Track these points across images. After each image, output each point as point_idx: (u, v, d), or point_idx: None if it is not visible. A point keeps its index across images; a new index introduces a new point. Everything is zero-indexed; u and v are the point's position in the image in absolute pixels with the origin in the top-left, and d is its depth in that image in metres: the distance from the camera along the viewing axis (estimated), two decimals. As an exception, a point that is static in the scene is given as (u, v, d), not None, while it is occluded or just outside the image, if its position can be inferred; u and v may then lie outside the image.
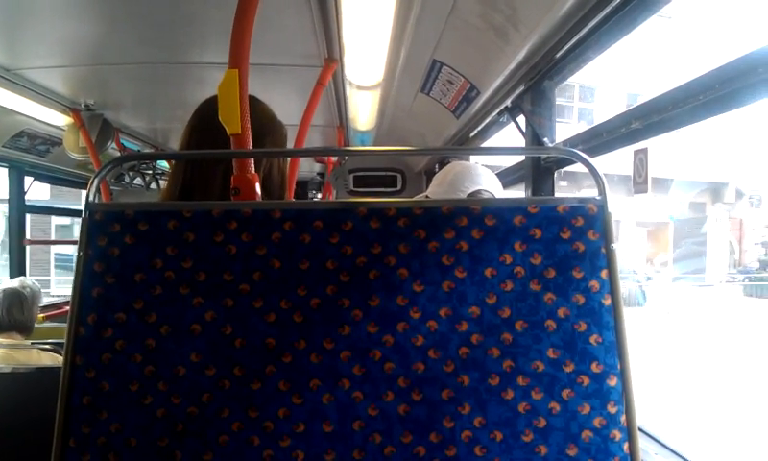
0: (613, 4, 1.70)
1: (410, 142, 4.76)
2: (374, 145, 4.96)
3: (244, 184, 1.37)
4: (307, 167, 6.17)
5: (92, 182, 1.22)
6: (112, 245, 1.21)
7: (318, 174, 6.66)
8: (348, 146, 4.67)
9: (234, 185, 1.36)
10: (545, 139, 2.37)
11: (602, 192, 1.24)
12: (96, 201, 1.22)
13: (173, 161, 1.88)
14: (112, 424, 1.16)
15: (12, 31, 2.35)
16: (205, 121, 1.51)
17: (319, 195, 6.60)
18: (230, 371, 1.18)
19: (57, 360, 2.85)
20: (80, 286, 1.19)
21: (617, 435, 1.19)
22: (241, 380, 1.18)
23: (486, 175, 1.91)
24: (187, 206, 1.24)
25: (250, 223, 1.22)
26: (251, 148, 1.41)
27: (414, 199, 1.58)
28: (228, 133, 1.36)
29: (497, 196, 2.05)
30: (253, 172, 1.37)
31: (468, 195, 1.81)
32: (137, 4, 2.15)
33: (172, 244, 1.21)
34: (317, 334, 1.19)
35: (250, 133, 1.38)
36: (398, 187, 6.00)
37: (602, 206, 1.23)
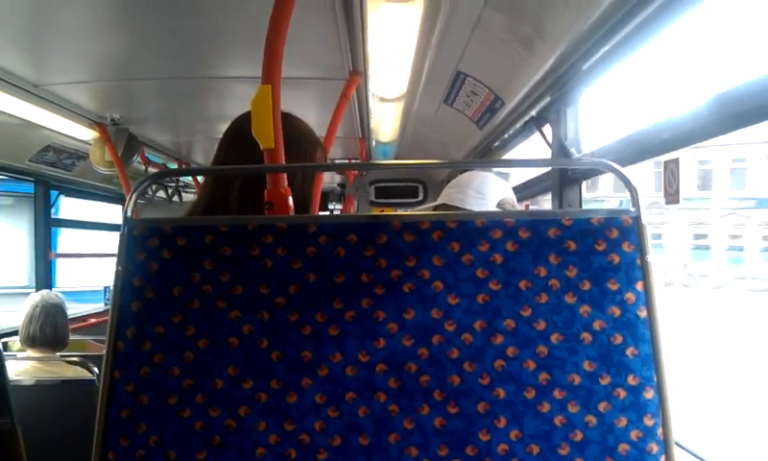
0: (643, 14, 1.70)
1: (432, 153, 4.76)
2: (396, 156, 4.96)
3: (277, 199, 1.37)
4: (328, 179, 6.20)
5: (130, 198, 1.24)
6: (151, 260, 1.22)
7: (338, 185, 6.67)
8: (370, 157, 4.68)
9: (268, 200, 1.37)
10: (572, 150, 2.36)
11: (636, 204, 1.23)
12: (131, 216, 1.23)
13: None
14: (151, 436, 1.17)
15: (40, 47, 2.39)
16: (237, 137, 1.52)
17: (339, 206, 6.61)
18: (267, 384, 1.18)
19: (80, 374, 2.87)
20: (119, 301, 1.20)
21: (654, 448, 1.17)
22: (277, 393, 1.18)
23: (507, 185, 1.91)
24: (223, 220, 1.25)
25: (285, 237, 1.23)
26: (283, 163, 1.42)
27: (449, 212, 1.58)
28: (261, 147, 1.37)
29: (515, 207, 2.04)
30: (286, 186, 1.38)
31: (498, 203, 1.81)
32: (163, 20, 2.17)
33: (209, 258, 1.22)
34: (352, 347, 1.20)
35: (282, 147, 1.38)
36: (420, 198, 6.00)
37: (636, 217, 1.23)
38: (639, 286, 1.21)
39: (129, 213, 1.23)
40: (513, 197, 1.85)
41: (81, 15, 2.10)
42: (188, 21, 2.18)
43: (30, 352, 2.88)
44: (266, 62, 1.41)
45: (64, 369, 2.86)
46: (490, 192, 1.82)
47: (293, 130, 1.56)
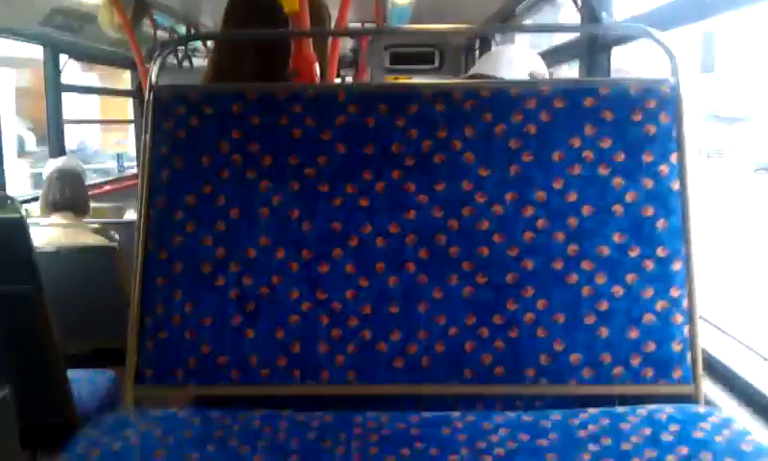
0: None
1: (450, 18, 4.56)
2: (413, 18, 4.78)
3: (304, 66, 1.33)
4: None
5: (154, 63, 1.20)
6: (178, 128, 1.20)
7: (350, 50, 6.49)
8: (386, 20, 4.52)
9: (294, 67, 1.33)
10: (603, 14, 2.24)
11: (675, 73, 1.19)
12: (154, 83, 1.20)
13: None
14: (186, 303, 1.19)
15: None
16: (239, 3, 1.45)
17: (351, 72, 6.45)
18: (299, 253, 1.19)
19: (101, 241, 2.89)
20: (147, 169, 1.19)
21: (679, 319, 1.19)
22: (309, 263, 1.19)
23: (538, 57, 1.82)
24: (251, 88, 1.21)
25: (313, 106, 1.20)
26: (309, 27, 1.36)
27: (482, 80, 1.53)
28: (286, 11, 1.31)
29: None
30: (312, 53, 1.33)
31: (529, 74, 1.74)
32: None
33: (237, 127, 1.20)
34: (382, 218, 1.19)
35: (308, 11, 1.32)
36: (436, 64, 5.85)
37: (675, 87, 1.19)
38: (674, 158, 1.19)
39: (153, 79, 1.19)
40: (545, 69, 1.77)
41: None
42: None
43: (52, 218, 2.90)
44: None
45: (85, 236, 2.89)
46: (521, 63, 1.75)
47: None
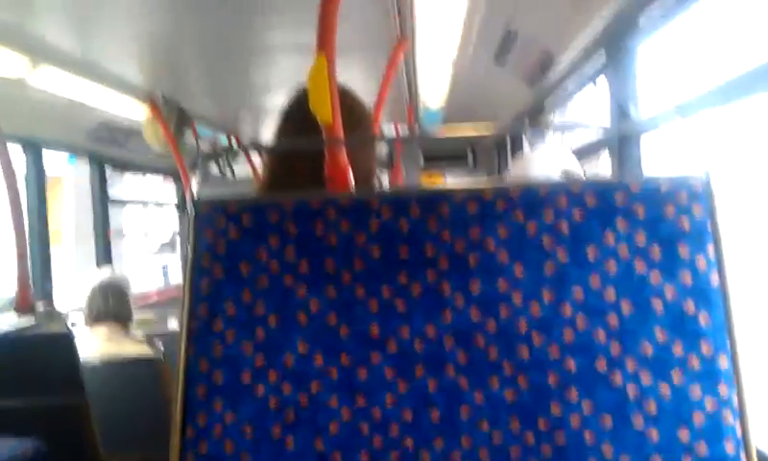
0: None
1: (481, 115, 4.70)
2: (445, 119, 4.90)
3: (337, 173, 1.37)
4: (374, 144, 6.15)
5: (194, 176, 1.25)
6: (218, 239, 1.23)
7: (386, 151, 6.65)
8: (418, 121, 4.64)
9: (328, 175, 1.36)
10: (631, 106, 2.28)
11: (706, 166, 1.19)
12: (194, 196, 1.24)
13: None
14: (227, 413, 1.18)
15: (93, 25, 2.42)
16: (296, 112, 1.51)
17: (385, 173, 6.59)
18: (337, 359, 1.19)
19: (145, 351, 2.93)
20: (190, 280, 1.22)
21: (729, 417, 1.14)
22: (347, 368, 1.18)
23: (570, 153, 1.85)
24: (286, 198, 1.25)
25: (348, 212, 1.22)
26: (342, 137, 1.41)
27: (511, 181, 1.55)
28: (319, 121, 1.36)
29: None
30: (346, 161, 1.37)
31: (562, 172, 1.76)
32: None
33: (275, 236, 1.22)
34: (419, 321, 1.19)
35: (340, 121, 1.37)
36: (469, 161, 5.94)
37: (706, 181, 1.19)
38: (711, 252, 1.18)
39: (195, 193, 1.24)
40: (578, 166, 1.80)
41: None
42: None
43: (96, 329, 2.95)
44: (320, 34, 1.39)
45: (130, 346, 2.92)
46: (554, 163, 1.78)
47: (355, 107, 1.56)
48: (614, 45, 2.33)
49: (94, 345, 2.86)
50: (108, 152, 4.19)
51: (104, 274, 3.11)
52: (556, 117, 3.65)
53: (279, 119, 1.57)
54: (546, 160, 1.76)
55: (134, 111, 3.64)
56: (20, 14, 2.21)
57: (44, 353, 2.11)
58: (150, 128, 3.68)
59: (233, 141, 4.85)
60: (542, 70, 2.98)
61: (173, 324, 4.10)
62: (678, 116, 1.26)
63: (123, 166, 4.80)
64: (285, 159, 1.53)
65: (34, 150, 3.57)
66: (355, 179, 1.42)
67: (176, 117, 3.61)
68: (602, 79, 2.63)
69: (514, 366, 1.17)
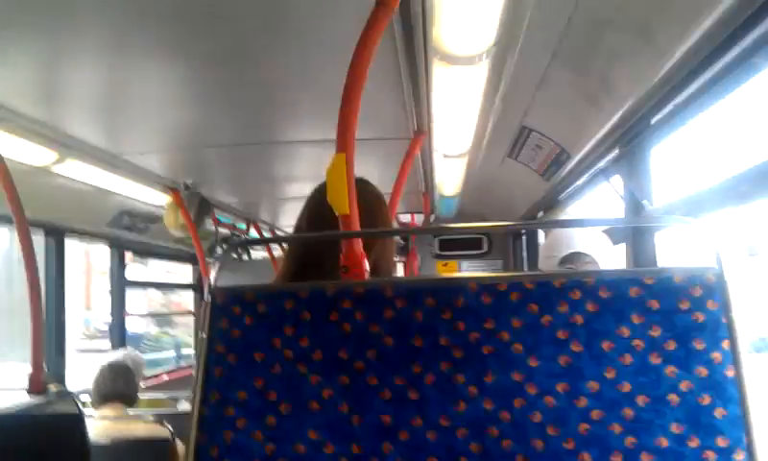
0: (715, 68, 1.67)
1: (496, 205, 4.74)
2: (460, 209, 4.96)
3: (353, 263, 1.39)
4: (390, 232, 6.20)
5: (214, 267, 1.27)
6: (233, 326, 1.24)
7: (400, 239, 6.70)
8: (434, 211, 4.69)
9: (344, 264, 1.39)
10: (645, 202, 2.30)
11: (719, 260, 1.19)
12: (215, 284, 1.27)
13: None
14: None
15: (118, 119, 2.51)
16: (320, 204, 1.56)
17: (401, 261, 6.62)
18: (348, 448, 1.18)
19: (154, 431, 2.90)
20: (203, 366, 1.23)
21: None
22: (359, 458, 1.18)
23: (583, 235, 1.87)
24: (302, 287, 1.27)
25: (362, 301, 1.23)
26: (358, 228, 1.44)
27: (525, 273, 1.56)
28: (337, 213, 1.40)
29: (601, 252, 1.99)
30: (362, 250, 1.39)
31: (563, 257, 1.78)
32: (233, 92, 2.26)
33: (289, 324, 1.23)
34: (433, 411, 1.18)
35: (357, 213, 1.40)
36: (484, 249, 5.96)
37: (720, 274, 1.19)
38: (726, 345, 1.17)
39: (212, 282, 1.26)
40: (594, 245, 1.81)
41: (157, 90, 2.20)
42: (255, 91, 2.26)
43: (103, 411, 2.93)
44: (340, 131, 1.44)
45: (139, 427, 2.90)
46: (558, 249, 1.80)
47: (372, 198, 1.62)
48: (628, 144, 2.38)
49: (103, 425, 2.84)
50: (127, 236, 4.26)
51: (119, 354, 3.12)
52: (570, 210, 3.68)
53: (302, 209, 1.63)
54: (574, 237, 1.78)
55: (156, 198, 3.72)
56: (48, 109, 2.30)
57: (55, 434, 2.10)
58: (171, 214, 3.74)
59: (252, 229, 4.91)
60: (556, 165, 3.03)
61: (183, 405, 4.07)
62: (691, 221, 1.27)
63: (142, 252, 4.87)
64: (304, 249, 1.56)
65: (56, 236, 3.65)
66: (372, 268, 1.44)
67: (197, 205, 3.68)
68: (616, 175, 2.66)
69: (528, 458, 1.16)
